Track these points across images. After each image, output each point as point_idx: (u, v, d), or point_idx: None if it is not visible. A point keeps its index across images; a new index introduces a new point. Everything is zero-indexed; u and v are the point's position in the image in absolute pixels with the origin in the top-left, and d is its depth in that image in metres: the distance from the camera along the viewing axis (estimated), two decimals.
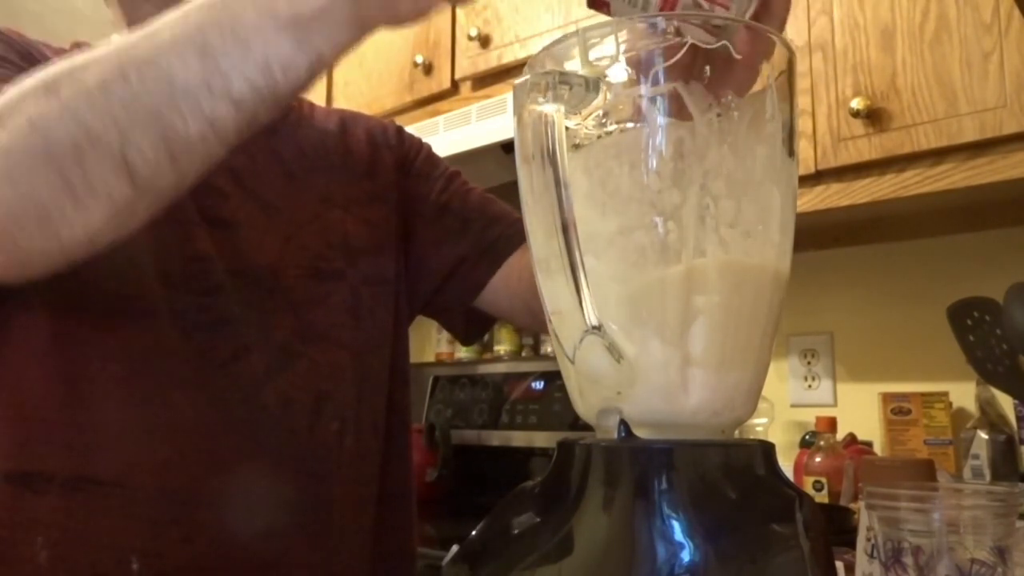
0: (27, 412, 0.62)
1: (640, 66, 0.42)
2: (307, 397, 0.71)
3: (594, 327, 0.40)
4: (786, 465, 1.45)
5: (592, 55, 0.42)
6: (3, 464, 0.62)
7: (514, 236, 0.83)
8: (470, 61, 1.72)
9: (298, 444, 0.70)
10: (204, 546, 0.65)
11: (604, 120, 0.44)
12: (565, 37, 0.43)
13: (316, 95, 1.94)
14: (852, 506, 1.18)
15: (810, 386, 1.63)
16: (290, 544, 0.68)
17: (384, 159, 0.85)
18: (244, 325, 0.68)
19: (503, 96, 1.62)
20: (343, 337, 0.75)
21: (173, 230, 0.67)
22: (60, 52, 0.70)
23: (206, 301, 0.67)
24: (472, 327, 0.90)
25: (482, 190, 0.89)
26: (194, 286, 0.67)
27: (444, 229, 0.85)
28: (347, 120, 0.86)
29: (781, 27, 0.50)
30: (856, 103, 1.22)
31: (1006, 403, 1.28)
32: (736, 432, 0.47)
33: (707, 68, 0.43)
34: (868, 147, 1.22)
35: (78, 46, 0.73)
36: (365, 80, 1.95)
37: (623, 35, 0.42)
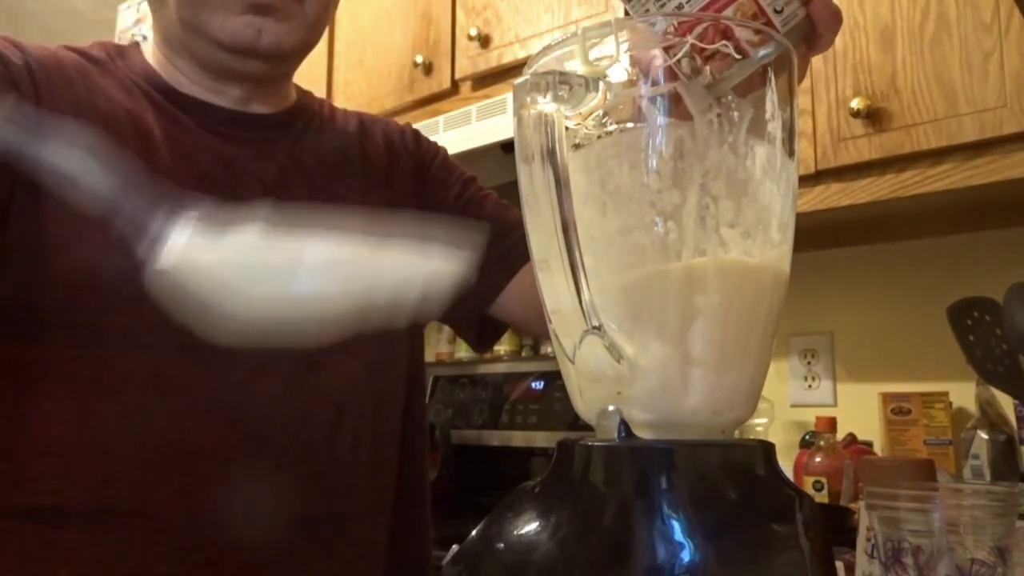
0: (42, 447, 0.62)
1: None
2: (327, 409, 0.71)
3: (594, 327, 0.40)
4: (786, 465, 1.45)
5: (592, 55, 0.42)
6: (21, 500, 0.61)
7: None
8: (470, 61, 1.72)
9: (316, 459, 0.70)
10: (227, 568, 0.64)
11: (604, 120, 0.44)
12: (565, 37, 0.43)
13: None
14: (852, 506, 1.18)
15: (810, 386, 1.63)
16: (310, 558, 0.69)
17: (402, 165, 0.84)
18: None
19: (503, 96, 1.62)
20: (359, 347, 0.74)
21: None
22: (55, 53, 0.69)
23: None
24: (486, 334, 0.90)
25: (497, 196, 0.88)
26: None
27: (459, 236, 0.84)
28: (366, 124, 0.85)
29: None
30: (856, 103, 1.22)
31: (1006, 403, 1.28)
32: (736, 432, 0.47)
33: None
34: (868, 147, 1.22)
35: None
36: (365, 80, 1.95)
37: (622, 36, 0.42)
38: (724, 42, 0.43)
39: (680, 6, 0.47)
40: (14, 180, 0.61)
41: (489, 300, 0.85)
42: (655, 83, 0.43)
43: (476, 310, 0.87)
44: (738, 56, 0.43)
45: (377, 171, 0.82)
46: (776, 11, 0.46)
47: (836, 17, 0.49)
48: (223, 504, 0.65)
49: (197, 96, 0.72)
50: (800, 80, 0.51)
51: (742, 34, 0.44)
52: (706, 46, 0.43)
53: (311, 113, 0.81)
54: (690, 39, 0.43)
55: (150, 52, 0.75)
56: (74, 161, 0.62)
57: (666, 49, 0.42)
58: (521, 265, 0.83)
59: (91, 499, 0.62)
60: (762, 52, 0.44)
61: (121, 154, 0.66)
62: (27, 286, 0.62)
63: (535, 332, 0.85)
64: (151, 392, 0.64)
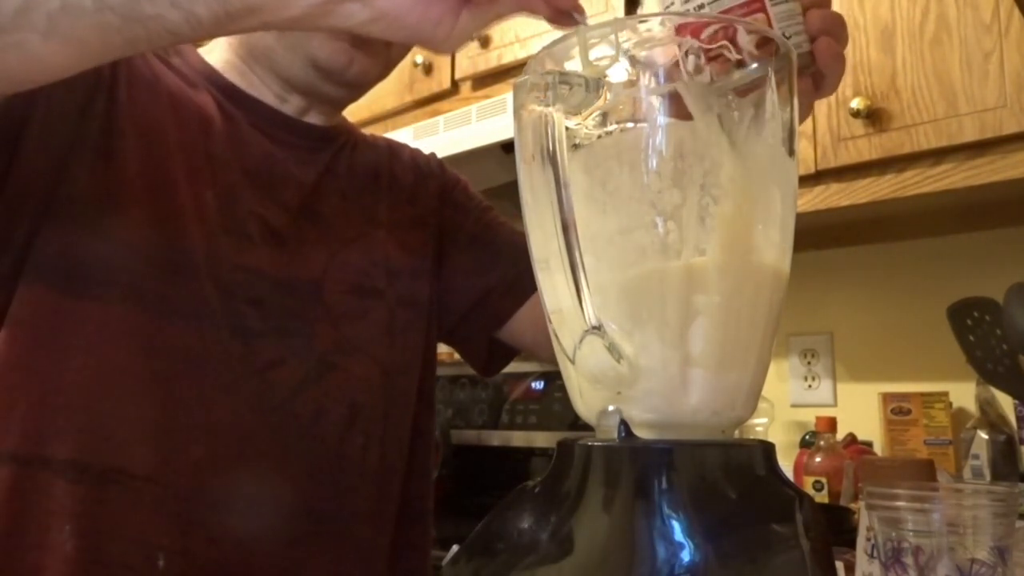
0: (69, 400, 0.63)
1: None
2: (340, 408, 0.72)
3: (594, 327, 0.40)
4: (786, 465, 1.45)
5: (592, 55, 0.42)
6: (43, 449, 0.62)
7: None
8: (470, 61, 1.72)
9: (326, 455, 0.71)
10: (229, 548, 0.65)
11: (604, 120, 0.44)
12: (565, 37, 0.43)
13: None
14: (852, 506, 1.18)
15: (810, 386, 1.63)
16: (310, 553, 0.69)
17: (427, 187, 0.87)
18: (285, 335, 0.70)
19: (503, 96, 1.62)
20: (377, 353, 0.76)
21: (229, 240, 0.68)
22: None
23: (251, 310, 0.68)
24: (494, 359, 0.92)
25: (512, 224, 0.90)
26: (241, 294, 0.68)
27: (475, 259, 0.87)
28: (394, 147, 0.89)
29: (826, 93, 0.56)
30: (856, 103, 1.22)
31: (1006, 403, 1.28)
32: (736, 432, 0.47)
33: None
34: (868, 147, 1.22)
35: None
36: None
37: (622, 36, 0.42)
38: (725, 42, 0.43)
39: (701, 6, 0.49)
40: (77, 139, 0.63)
41: (498, 324, 0.87)
42: (657, 75, 0.43)
43: (485, 334, 0.89)
44: (738, 57, 0.44)
45: (403, 189, 0.85)
46: (785, 36, 0.47)
47: (838, 60, 0.54)
48: (232, 484, 0.66)
49: (256, 97, 0.75)
50: (804, 119, 0.55)
51: (744, 43, 0.44)
52: (711, 46, 0.43)
53: (348, 133, 0.84)
54: (690, 38, 0.43)
55: (207, 51, 0.77)
56: (142, 133, 0.65)
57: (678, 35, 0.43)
58: (533, 291, 0.84)
59: (109, 458, 0.62)
60: (757, 65, 0.44)
61: (183, 134, 0.68)
62: (80, 243, 0.63)
63: (545, 358, 0.88)
64: (180, 361, 0.65)
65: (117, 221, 0.64)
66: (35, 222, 0.63)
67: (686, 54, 0.43)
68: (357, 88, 0.75)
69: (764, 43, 0.45)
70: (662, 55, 0.43)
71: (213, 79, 0.74)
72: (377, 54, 0.73)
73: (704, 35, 0.43)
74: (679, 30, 0.45)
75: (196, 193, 0.68)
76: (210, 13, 0.44)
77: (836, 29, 0.54)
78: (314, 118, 0.78)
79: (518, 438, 1.82)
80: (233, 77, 0.75)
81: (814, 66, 0.53)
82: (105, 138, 0.64)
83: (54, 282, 0.63)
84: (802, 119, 0.56)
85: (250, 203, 0.70)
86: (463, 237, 0.88)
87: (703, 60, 0.43)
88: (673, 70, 0.43)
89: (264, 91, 0.75)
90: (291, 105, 0.76)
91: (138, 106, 0.66)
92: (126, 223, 0.64)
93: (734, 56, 0.43)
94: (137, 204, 0.65)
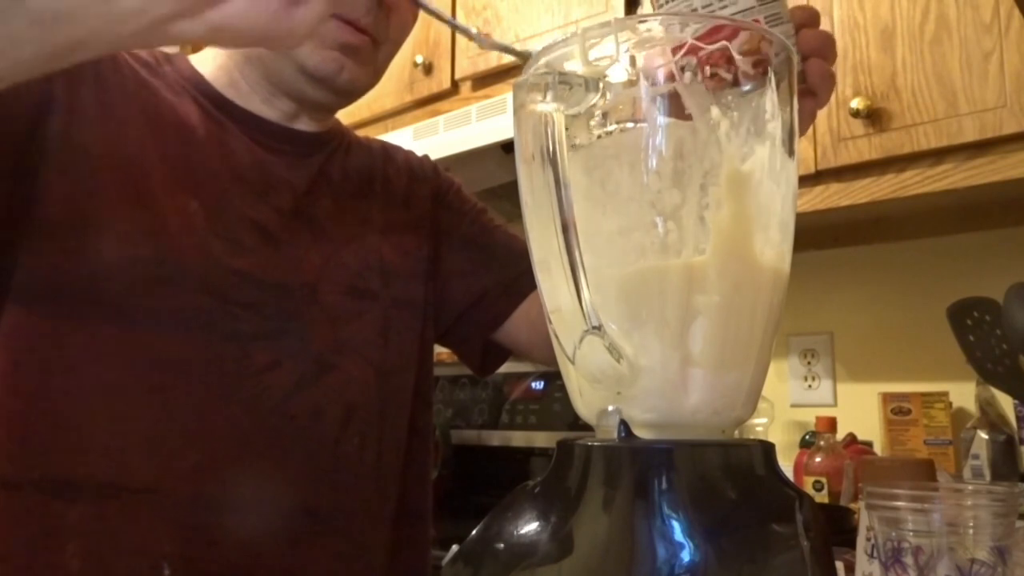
0: (60, 420, 0.62)
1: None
2: (336, 408, 0.72)
3: (594, 327, 0.40)
4: (786, 465, 1.46)
5: (592, 55, 0.42)
6: (36, 471, 0.62)
7: None
8: (470, 61, 1.72)
9: (324, 455, 0.71)
10: (231, 552, 0.65)
11: (604, 120, 0.44)
12: (565, 37, 0.43)
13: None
14: (852, 506, 1.18)
15: (810, 386, 1.63)
16: (311, 553, 0.70)
17: (421, 190, 0.88)
18: (281, 337, 0.70)
19: (503, 96, 1.62)
20: (372, 355, 0.76)
21: (221, 245, 0.68)
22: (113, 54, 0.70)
23: (245, 314, 0.69)
24: (489, 360, 0.92)
25: (507, 227, 0.91)
26: (235, 298, 0.68)
27: (470, 261, 0.87)
28: (389, 150, 0.90)
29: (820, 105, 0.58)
30: (856, 103, 1.22)
31: (1006, 403, 1.28)
32: (736, 432, 0.47)
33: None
34: (868, 147, 1.22)
35: None
36: None
37: (622, 36, 0.42)
38: (727, 67, 0.43)
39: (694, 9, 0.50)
40: (39, 161, 0.63)
41: (494, 326, 0.88)
42: (655, 83, 0.43)
43: (481, 335, 0.89)
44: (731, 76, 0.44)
45: (397, 192, 0.86)
46: (776, 55, 0.48)
47: (828, 79, 0.56)
48: (230, 488, 0.66)
49: (243, 106, 0.75)
50: (805, 130, 0.58)
51: (743, 65, 0.44)
52: (707, 65, 0.43)
53: (341, 136, 0.85)
54: (680, 55, 0.43)
55: (199, 60, 0.77)
56: (114, 151, 0.65)
57: (673, 51, 0.43)
58: (528, 293, 0.86)
59: (104, 474, 0.62)
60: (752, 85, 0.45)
61: (161, 147, 0.68)
62: (61, 262, 0.63)
63: (540, 359, 0.88)
64: (173, 373, 0.65)
65: (95, 240, 0.64)
66: (11, 247, 0.62)
67: (682, 70, 0.43)
68: (347, 95, 0.75)
69: (759, 64, 0.45)
70: (659, 60, 0.43)
71: (201, 88, 0.74)
72: (367, 62, 0.73)
73: (702, 53, 0.44)
74: (712, 32, 0.45)
75: (178, 203, 0.67)
76: (32, 55, 0.39)
77: (826, 49, 0.57)
78: (305, 124, 0.78)
79: (518, 438, 1.82)
80: (223, 85, 0.75)
81: (805, 84, 0.55)
82: (68, 158, 0.63)
83: (37, 305, 0.63)
84: (803, 132, 0.58)
85: (241, 208, 0.70)
86: (458, 240, 0.88)
87: (699, 77, 0.43)
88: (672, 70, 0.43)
89: (254, 98, 0.75)
90: (281, 111, 0.76)
91: (106, 122, 0.66)
92: (104, 241, 0.64)
93: (729, 76, 0.44)
94: (113, 220, 0.64)
